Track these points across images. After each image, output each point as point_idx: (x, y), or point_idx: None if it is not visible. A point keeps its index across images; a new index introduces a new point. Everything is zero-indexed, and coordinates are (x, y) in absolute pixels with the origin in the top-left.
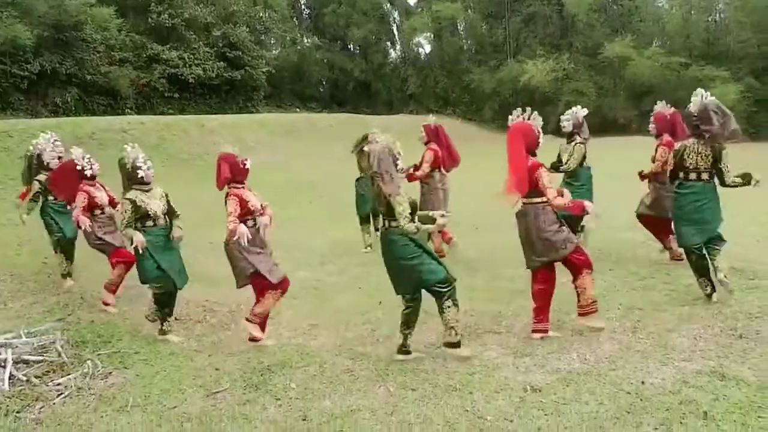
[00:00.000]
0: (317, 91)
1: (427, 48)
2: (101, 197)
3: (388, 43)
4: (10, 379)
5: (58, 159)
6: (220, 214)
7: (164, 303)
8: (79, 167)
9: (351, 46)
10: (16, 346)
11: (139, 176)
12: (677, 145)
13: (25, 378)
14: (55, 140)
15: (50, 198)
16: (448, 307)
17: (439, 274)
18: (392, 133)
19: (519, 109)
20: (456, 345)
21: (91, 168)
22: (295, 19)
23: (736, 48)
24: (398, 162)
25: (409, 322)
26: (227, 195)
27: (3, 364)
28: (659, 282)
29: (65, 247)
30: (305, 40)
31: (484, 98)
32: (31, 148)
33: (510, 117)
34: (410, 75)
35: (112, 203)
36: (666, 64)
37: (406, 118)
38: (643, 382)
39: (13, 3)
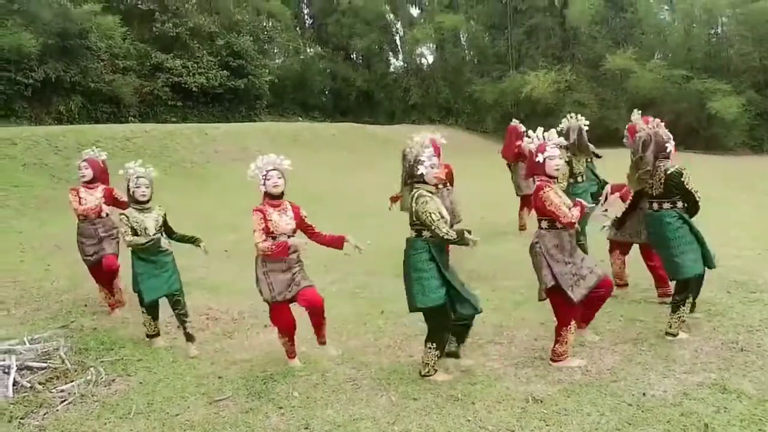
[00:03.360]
0: (320, 101)
1: (430, 58)
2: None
3: (391, 54)
4: (14, 385)
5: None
6: (221, 221)
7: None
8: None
9: (354, 56)
10: (20, 353)
11: (419, 172)
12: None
13: (28, 384)
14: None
15: None
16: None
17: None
18: (394, 143)
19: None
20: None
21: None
22: (298, 29)
23: (737, 61)
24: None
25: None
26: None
27: (7, 370)
28: None
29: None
30: (308, 50)
31: (486, 109)
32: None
33: None
34: (413, 85)
35: None
36: (668, 76)
37: (408, 128)
38: (644, 394)
39: (19, 11)
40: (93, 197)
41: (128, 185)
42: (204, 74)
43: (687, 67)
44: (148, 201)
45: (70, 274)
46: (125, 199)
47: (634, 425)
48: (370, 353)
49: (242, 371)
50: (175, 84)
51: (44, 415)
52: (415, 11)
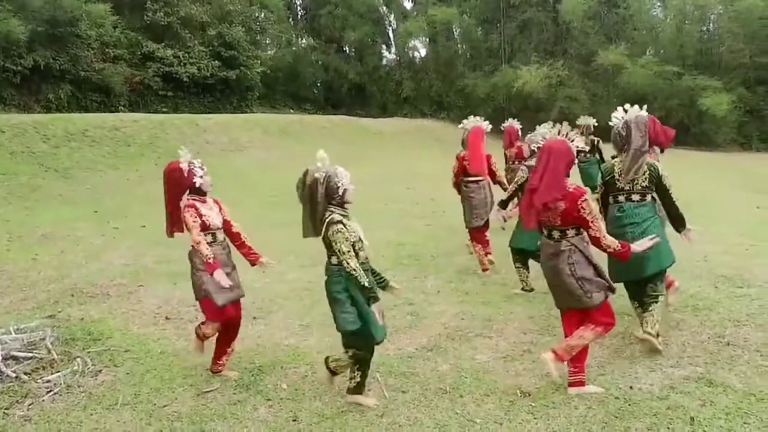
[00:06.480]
0: (311, 93)
1: (422, 52)
2: None
3: (384, 46)
4: None
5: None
6: None
7: None
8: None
9: (346, 49)
10: (6, 342)
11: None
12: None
13: (14, 374)
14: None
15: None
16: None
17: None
18: (386, 136)
19: None
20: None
21: None
22: (290, 20)
23: (728, 58)
24: None
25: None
26: None
27: None
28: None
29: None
30: (300, 41)
31: (478, 103)
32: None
33: None
34: (405, 78)
35: None
36: (659, 72)
37: (400, 121)
38: (631, 387)
39: None
40: (213, 212)
41: (330, 184)
42: (195, 64)
43: (678, 63)
44: None
45: (58, 264)
46: (229, 218)
47: (621, 418)
48: None
49: (231, 363)
50: (166, 74)
51: (29, 405)
52: (408, 4)
